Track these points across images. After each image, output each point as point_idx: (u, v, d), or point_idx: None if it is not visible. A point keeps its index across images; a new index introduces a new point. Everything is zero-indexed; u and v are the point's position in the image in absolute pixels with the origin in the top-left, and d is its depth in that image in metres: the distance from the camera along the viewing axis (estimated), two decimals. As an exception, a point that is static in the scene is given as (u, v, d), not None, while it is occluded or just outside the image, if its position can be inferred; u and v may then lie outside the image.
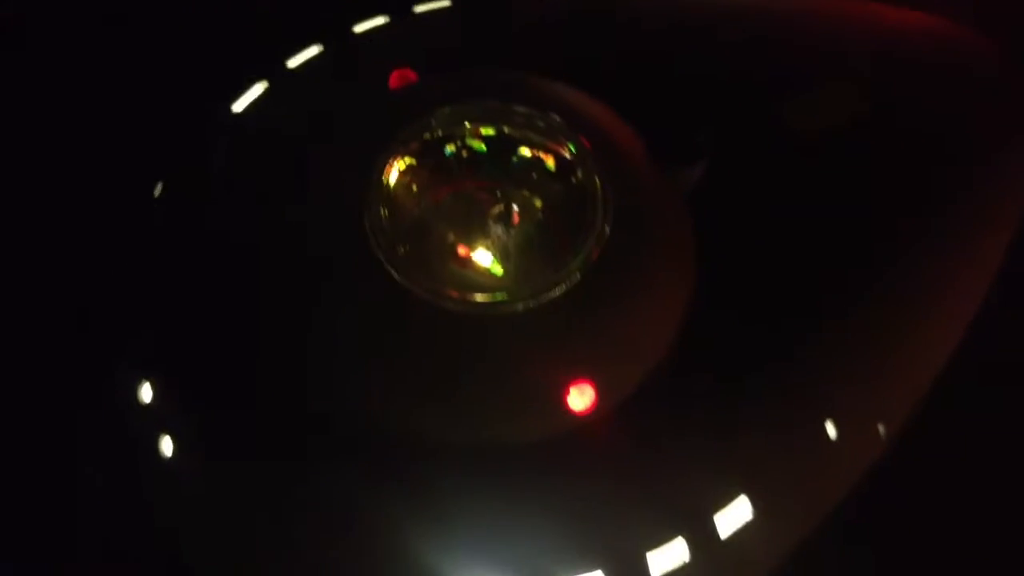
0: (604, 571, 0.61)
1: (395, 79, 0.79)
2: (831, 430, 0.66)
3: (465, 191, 0.74)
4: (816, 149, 0.75)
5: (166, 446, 0.68)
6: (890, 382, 0.70)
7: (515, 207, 0.73)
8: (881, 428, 0.69)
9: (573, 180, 0.73)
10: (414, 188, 0.74)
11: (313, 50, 0.84)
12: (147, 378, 0.69)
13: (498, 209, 0.73)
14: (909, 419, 0.70)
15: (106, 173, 0.84)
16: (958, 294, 0.73)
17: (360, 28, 0.84)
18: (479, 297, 0.68)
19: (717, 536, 0.63)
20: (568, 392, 0.65)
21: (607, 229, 0.69)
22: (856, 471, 0.68)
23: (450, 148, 0.75)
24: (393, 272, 0.68)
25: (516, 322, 0.66)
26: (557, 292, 0.67)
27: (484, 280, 0.71)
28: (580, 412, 0.65)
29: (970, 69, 0.81)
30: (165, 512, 0.69)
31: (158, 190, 0.80)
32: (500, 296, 0.67)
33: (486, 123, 0.74)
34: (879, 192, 0.74)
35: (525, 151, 0.74)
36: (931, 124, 0.77)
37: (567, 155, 0.73)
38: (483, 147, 0.75)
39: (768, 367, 0.67)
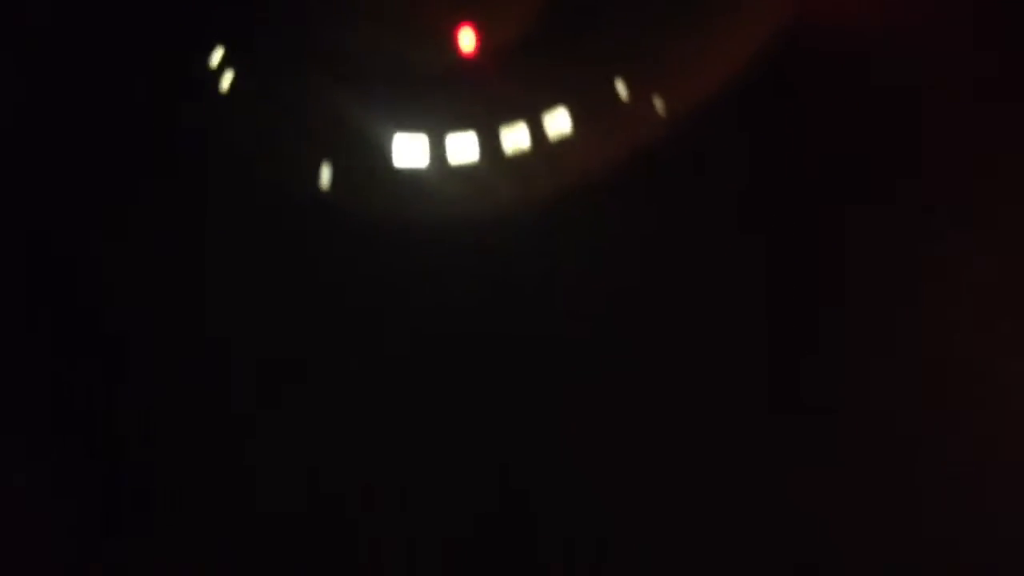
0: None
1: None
2: (621, 90, 1.07)
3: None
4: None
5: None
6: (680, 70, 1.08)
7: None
8: (659, 104, 1.09)
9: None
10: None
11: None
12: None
13: None
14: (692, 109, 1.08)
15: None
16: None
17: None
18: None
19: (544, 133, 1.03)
20: (458, 34, 1.05)
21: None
22: (638, 137, 1.08)
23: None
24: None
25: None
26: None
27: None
28: (466, 51, 1.05)
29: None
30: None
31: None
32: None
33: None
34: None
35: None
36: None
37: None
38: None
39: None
